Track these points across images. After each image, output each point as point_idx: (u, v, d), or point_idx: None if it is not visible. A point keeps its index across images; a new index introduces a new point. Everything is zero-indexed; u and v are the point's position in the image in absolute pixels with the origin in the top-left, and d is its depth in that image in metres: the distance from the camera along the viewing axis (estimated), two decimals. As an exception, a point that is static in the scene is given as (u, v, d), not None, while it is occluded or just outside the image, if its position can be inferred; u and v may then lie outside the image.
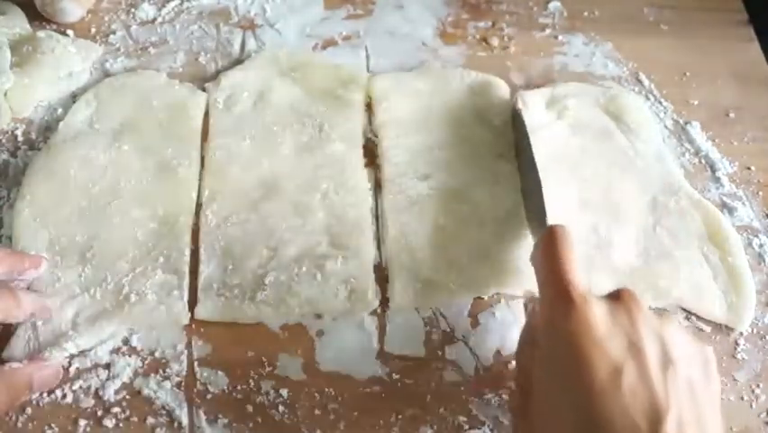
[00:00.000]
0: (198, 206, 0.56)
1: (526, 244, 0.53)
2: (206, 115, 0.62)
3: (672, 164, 0.60)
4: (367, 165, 0.60)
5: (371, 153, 0.60)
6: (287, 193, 0.57)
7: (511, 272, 0.53)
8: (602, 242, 0.54)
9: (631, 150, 0.60)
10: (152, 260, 0.53)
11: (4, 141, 0.61)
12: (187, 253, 0.54)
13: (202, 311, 0.51)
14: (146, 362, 0.49)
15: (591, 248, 0.54)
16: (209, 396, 0.48)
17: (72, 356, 0.49)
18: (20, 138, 0.61)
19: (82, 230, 0.54)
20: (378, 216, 0.57)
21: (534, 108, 0.62)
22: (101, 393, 0.48)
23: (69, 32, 0.69)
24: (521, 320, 0.52)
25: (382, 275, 0.54)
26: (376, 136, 0.61)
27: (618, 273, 0.53)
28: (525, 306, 0.50)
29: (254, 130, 0.60)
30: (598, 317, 0.41)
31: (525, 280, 0.51)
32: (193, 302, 0.52)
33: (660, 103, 0.65)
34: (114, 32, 0.69)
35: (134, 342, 0.50)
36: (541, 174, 0.54)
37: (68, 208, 0.55)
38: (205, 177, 0.58)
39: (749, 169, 0.61)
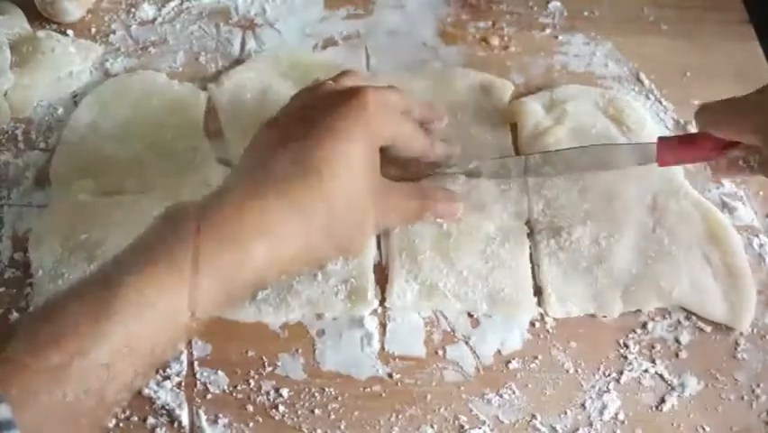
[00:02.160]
0: None
1: (521, 272, 0.53)
2: (207, 114, 0.62)
3: None
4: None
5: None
6: None
7: (501, 300, 0.52)
8: (603, 253, 0.54)
9: (631, 150, 0.60)
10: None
11: (4, 141, 0.61)
12: (189, 253, 0.54)
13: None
14: (146, 362, 0.49)
15: (593, 262, 0.54)
16: (209, 396, 0.48)
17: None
18: (20, 138, 0.61)
19: (97, 226, 0.54)
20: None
21: (533, 114, 0.62)
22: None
23: (69, 32, 0.69)
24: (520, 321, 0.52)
25: (383, 275, 0.54)
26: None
27: (620, 280, 0.53)
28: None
29: None
30: None
31: (513, 309, 0.52)
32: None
33: (660, 103, 0.65)
34: (114, 32, 0.69)
35: (134, 342, 0.50)
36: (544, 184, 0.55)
37: (86, 204, 0.56)
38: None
39: (749, 169, 0.61)
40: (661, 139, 0.54)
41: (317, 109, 0.48)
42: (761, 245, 0.56)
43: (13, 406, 0.33)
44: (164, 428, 0.47)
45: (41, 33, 0.66)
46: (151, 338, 0.39)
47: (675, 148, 0.53)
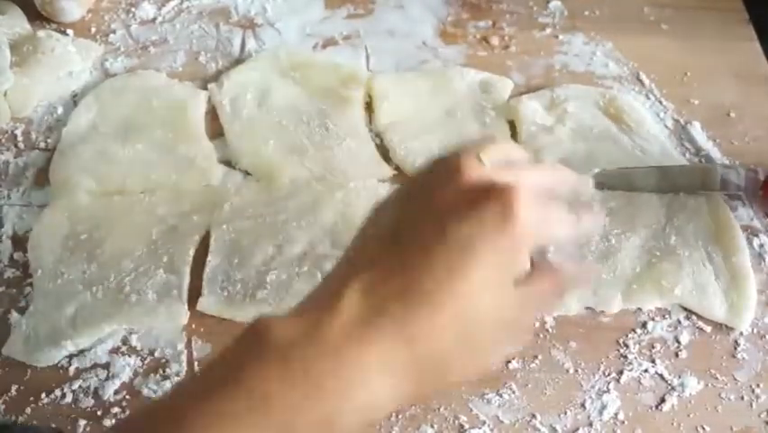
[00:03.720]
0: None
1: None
2: (207, 114, 0.63)
3: (679, 160, 0.60)
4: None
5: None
6: (304, 191, 0.57)
7: None
8: (611, 249, 0.54)
9: (637, 149, 0.60)
10: (157, 259, 0.53)
11: (4, 141, 0.61)
12: (191, 253, 0.54)
13: (204, 304, 0.51)
14: (146, 362, 0.49)
15: (598, 257, 0.54)
16: (209, 396, 0.48)
17: (71, 356, 0.49)
18: (20, 138, 0.61)
19: (97, 227, 0.54)
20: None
21: (533, 113, 0.62)
22: (100, 393, 0.48)
23: (69, 31, 0.69)
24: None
25: (382, 275, 0.54)
26: (377, 136, 0.61)
27: (622, 277, 0.53)
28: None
29: (267, 131, 0.61)
30: None
31: None
32: (195, 300, 0.51)
33: (660, 103, 0.65)
34: (114, 32, 0.69)
35: (134, 342, 0.50)
36: None
37: (87, 204, 0.56)
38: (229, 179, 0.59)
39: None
40: None
41: (448, 213, 0.35)
42: (761, 245, 0.56)
43: None
44: (164, 428, 0.47)
45: (41, 33, 0.66)
46: None
47: None
